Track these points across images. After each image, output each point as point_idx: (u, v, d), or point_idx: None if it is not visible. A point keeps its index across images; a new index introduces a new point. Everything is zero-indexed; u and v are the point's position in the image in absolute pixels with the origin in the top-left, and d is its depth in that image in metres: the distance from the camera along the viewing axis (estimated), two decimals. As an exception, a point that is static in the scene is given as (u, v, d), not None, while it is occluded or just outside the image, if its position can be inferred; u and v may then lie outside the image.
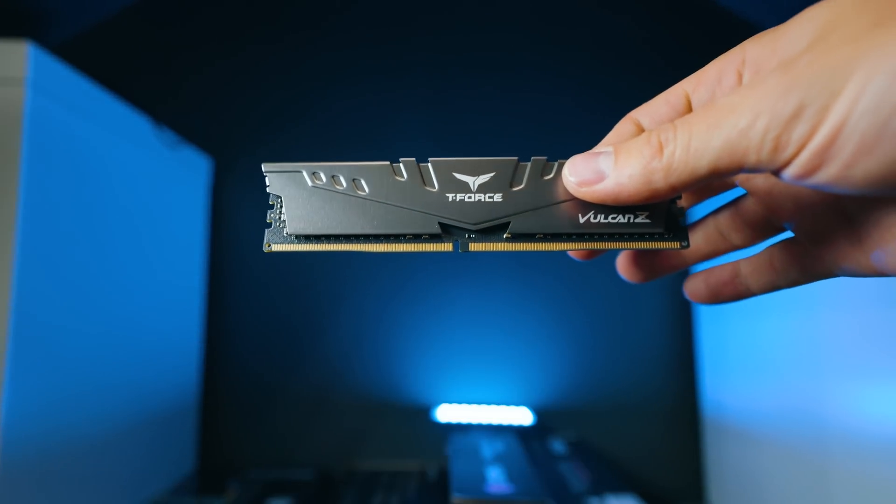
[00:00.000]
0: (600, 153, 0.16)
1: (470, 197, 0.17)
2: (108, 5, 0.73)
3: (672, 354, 0.71)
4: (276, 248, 0.18)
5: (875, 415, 0.42)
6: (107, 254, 0.52)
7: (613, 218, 0.17)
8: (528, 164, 0.17)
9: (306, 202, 0.18)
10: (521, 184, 0.17)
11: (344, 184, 0.18)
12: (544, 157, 0.17)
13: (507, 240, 0.18)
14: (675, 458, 0.71)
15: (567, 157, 0.17)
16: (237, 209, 0.74)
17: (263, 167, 0.18)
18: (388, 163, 0.17)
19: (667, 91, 0.18)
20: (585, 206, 0.17)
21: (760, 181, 0.18)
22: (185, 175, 0.68)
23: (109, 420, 0.52)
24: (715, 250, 0.21)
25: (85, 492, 0.48)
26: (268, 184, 0.18)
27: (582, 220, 0.17)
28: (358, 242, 0.18)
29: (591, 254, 0.21)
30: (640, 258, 0.21)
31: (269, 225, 0.18)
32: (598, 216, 0.17)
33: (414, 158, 0.17)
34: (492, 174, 0.17)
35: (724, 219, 0.20)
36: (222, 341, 0.73)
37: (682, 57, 0.74)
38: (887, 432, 0.41)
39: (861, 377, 0.44)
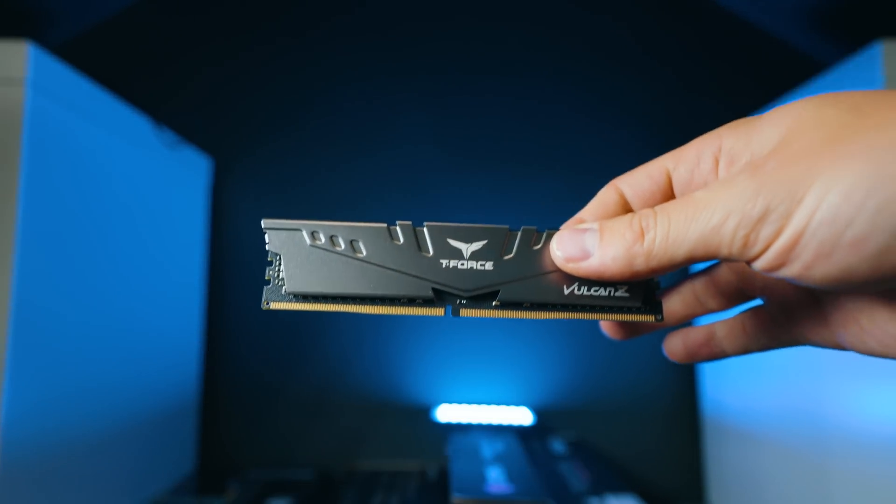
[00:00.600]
0: (586, 230, 0.17)
1: (463, 264, 0.18)
2: (108, 5, 0.73)
3: (672, 354, 0.71)
4: (274, 306, 0.18)
5: (875, 415, 0.42)
6: (107, 254, 0.52)
7: (596, 291, 0.18)
8: (518, 233, 0.18)
9: (305, 261, 0.18)
10: (510, 253, 0.18)
11: (342, 245, 0.18)
12: (534, 227, 0.18)
13: (496, 307, 0.19)
14: (675, 458, 0.71)
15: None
16: (237, 209, 0.74)
17: (263, 223, 0.18)
18: (385, 225, 0.18)
19: (649, 164, 0.19)
20: (570, 277, 0.18)
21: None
22: (185, 175, 0.68)
23: (109, 420, 0.52)
24: (692, 313, 0.22)
25: (85, 492, 0.48)
26: (267, 241, 0.18)
27: (566, 292, 0.18)
28: (354, 304, 0.18)
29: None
30: (621, 322, 0.23)
31: (268, 282, 0.19)
32: (582, 288, 0.18)
33: (410, 222, 0.18)
34: (484, 242, 0.18)
35: (700, 285, 0.22)
36: (222, 341, 0.73)
37: (682, 57, 0.74)
38: (887, 432, 0.41)
39: (861, 377, 0.44)
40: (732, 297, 0.21)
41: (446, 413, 0.70)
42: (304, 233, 0.18)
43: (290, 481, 0.63)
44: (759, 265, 0.14)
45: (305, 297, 0.18)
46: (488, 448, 0.58)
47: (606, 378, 0.72)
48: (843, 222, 0.12)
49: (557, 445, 0.66)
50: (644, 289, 0.18)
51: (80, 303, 0.48)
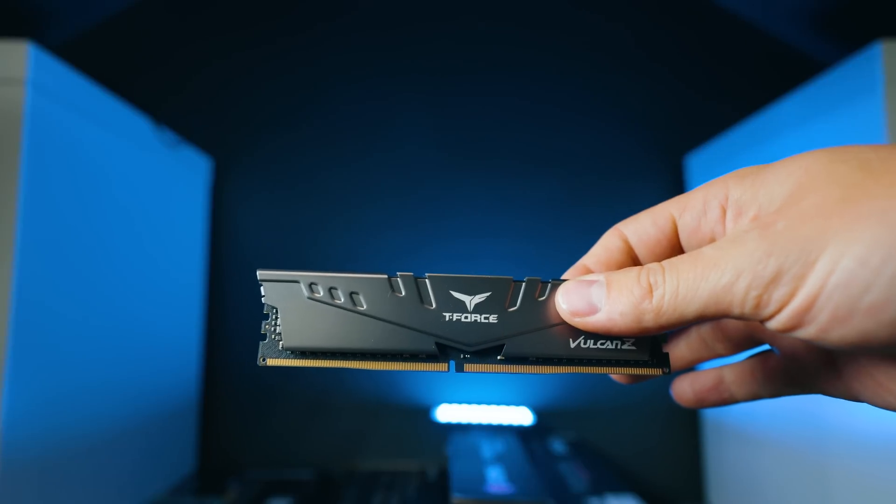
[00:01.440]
0: (593, 282, 0.17)
1: (466, 317, 0.18)
2: (108, 5, 0.73)
3: (672, 354, 0.71)
4: (270, 362, 0.18)
5: (875, 415, 0.42)
6: (107, 254, 0.52)
7: (602, 344, 0.18)
8: (523, 284, 0.18)
9: (303, 315, 0.17)
10: (515, 305, 0.18)
11: (342, 298, 0.18)
12: (538, 278, 0.18)
13: (501, 361, 0.18)
14: (675, 458, 0.71)
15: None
16: (237, 209, 0.74)
17: (259, 275, 0.18)
18: (385, 276, 0.18)
19: (653, 210, 0.19)
20: (576, 330, 0.18)
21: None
22: (185, 175, 0.68)
23: (109, 420, 0.52)
24: (698, 358, 0.22)
25: (85, 492, 0.48)
26: (263, 294, 0.18)
27: (573, 345, 0.18)
28: (355, 359, 0.18)
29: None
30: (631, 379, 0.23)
31: (264, 336, 0.18)
32: (588, 342, 0.18)
33: (412, 273, 0.18)
34: (487, 294, 0.18)
35: (707, 329, 0.21)
36: (222, 341, 0.73)
37: (682, 57, 0.74)
38: (887, 432, 0.41)
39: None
40: (741, 342, 0.21)
41: (446, 413, 0.70)
42: (302, 285, 0.17)
43: (290, 481, 0.63)
44: (773, 325, 0.14)
45: (304, 353, 0.18)
46: (488, 448, 0.58)
47: (606, 378, 0.71)
48: (860, 287, 0.12)
49: (557, 445, 0.66)
50: (651, 342, 0.18)
51: (80, 303, 0.48)
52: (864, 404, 0.18)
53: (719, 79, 0.74)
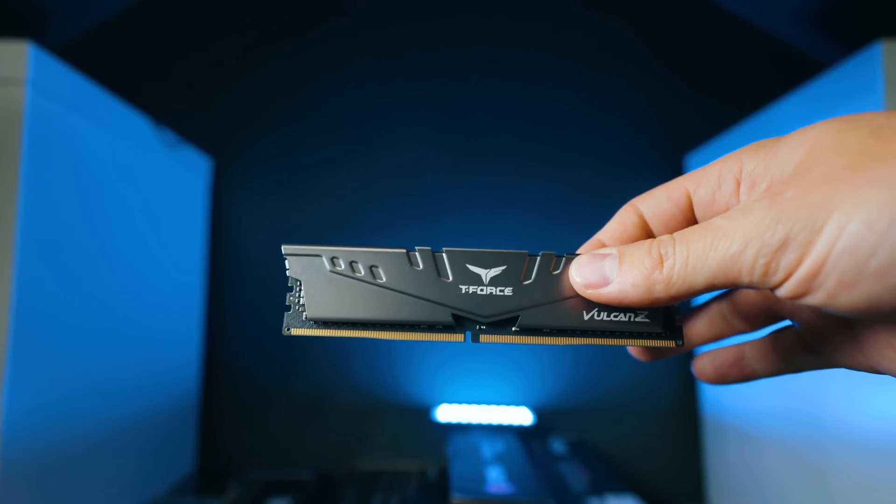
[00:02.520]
0: (605, 255, 0.17)
1: (482, 290, 0.18)
2: (108, 5, 0.73)
3: (672, 354, 0.71)
4: (295, 332, 0.18)
5: (875, 415, 0.42)
6: (107, 254, 0.52)
7: (616, 316, 0.18)
8: (538, 258, 0.18)
9: (325, 288, 0.18)
10: (530, 278, 0.18)
11: (362, 271, 0.18)
12: (553, 252, 0.18)
13: (516, 333, 0.19)
14: (675, 458, 0.71)
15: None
16: (237, 209, 0.74)
17: (283, 249, 0.18)
18: (404, 251, 0.18)
19: (668, 185, 0.19)
20: (590, 303, 0.18)
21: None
22: (185, 175, 0.68)
23: (109, 420, 0.52)
24: (719, 334, 0.22)
25: (85, 492, 0.48)
26: (287, 267, 0.18)
27: (586, 317, 0.18)
28: (374, 329, 0.18)
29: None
30: (651, 354, 0.23)
31: (289, 308, 0.19)
32: (602, 314, 0.18)
33: (429, 248, 0.18)
34: (503, 267, 0.18)
35: (727, 305, 0.21)
36: (222, 341, 0.73)
37: (682, 56, 0.74)
38: (887, 432, 0.41)
39: (861, 377, 0.44)
40: (761, 317, 0.21)
41: (446, 413, 0.70)
42: (324, 258, 0.18)
43: (290, 481, 0.63)
44: (782, 293, 0.14)
45: (326, 323, 0.18)
46: (488, 448, 0.58)
47: (606, 378, 0.72)
48: (867, 251, 0.12)
49: (557, 445, 0.66)
50: (664, 314, 0.18)
51: (80, 303, 0.48)
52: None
53: (719, 78, 0.74)
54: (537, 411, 0.71)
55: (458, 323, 0.18)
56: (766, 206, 0.14)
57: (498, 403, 0.71)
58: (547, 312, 0.18)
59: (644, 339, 0.18)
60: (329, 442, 0.71)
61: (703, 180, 0.18)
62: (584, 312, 0.18)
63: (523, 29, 0.75)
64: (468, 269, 0.18)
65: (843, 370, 0.18)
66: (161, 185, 0.61)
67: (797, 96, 0.52)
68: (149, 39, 0.75)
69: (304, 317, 0.18)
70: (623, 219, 0.20)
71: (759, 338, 0.21)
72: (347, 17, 0.75)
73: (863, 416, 0.43)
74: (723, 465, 0.65)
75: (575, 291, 0.18)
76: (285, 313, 0.19)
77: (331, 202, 0.74)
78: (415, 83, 0.75)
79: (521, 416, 0.70)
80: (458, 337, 0.18)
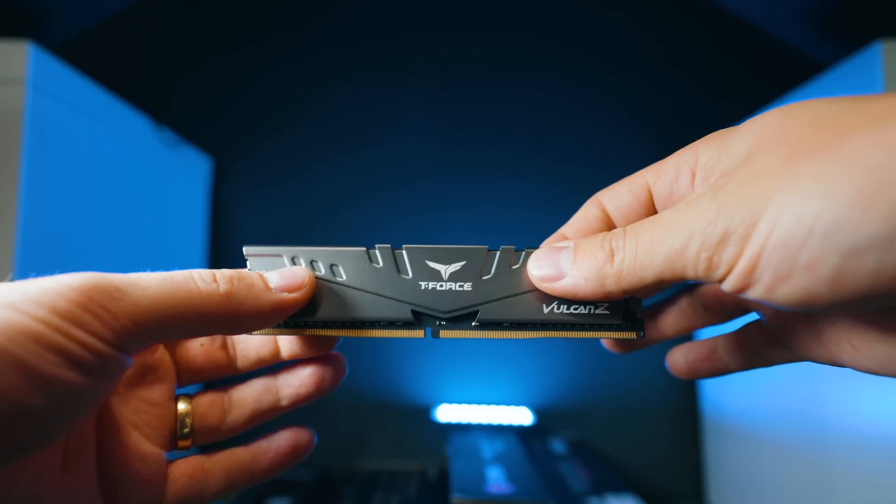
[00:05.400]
0: (562, 249, 0.17)
1: (442, 285, 0.18)
2: (108, 5, 0.73)
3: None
4: (255, 333, 0.18)
5: (874, 415, 0.42)
6: (107, 253, 0.52)
7: (575, 309, 0.18)
8: (497, 253, 0.18)
9: None
10: (489, 273, 0.18)
11: (322, 270, 0.18)
12: (512, 247, 0.18)
13: (476, 328, 0.18)
14: (675, 459, 0.71)
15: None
16: (237, 209, 0.74)
17: (245, 251, 0.18)
18: (364, 249, 0.18)
19: (630, 178, 0.19)
20: (549, 296, 0.18)
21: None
22: (185, 175, 0.68)
23: (109, 420, 0.52)
24: (691, 326, 0.22)
25: (85, 492, 0.48)
26: (249, 268, 0.18)
27: (546, 310, 0.18)
28: (335, 328, 0.18)
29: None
30: (622, 346, 0.22)
31: None
32: (562, 307, 0.18)
33: (389, 245, 0.18)
34: (462, 263, 0.18)
35: (697, 297, 0.22)
36: (222, 341, 0.73)
37: (682, 56, 0.74)
38: (887, 432, 0.41)
39: (860, 377, 0.44)
40: (728, 310, 0.21)
41: (446, 413, 0.70)
42: (285, 258, 0.18)
43: (290, 481, 0.63)
44: (726, 287, 0.14)
45: (286, 324, 0.18)
46: (488, 448, 0.58)
47: (606, 378, 0.72)
48: (797, 245, 0.12)
49: (557, 445, 0.66)
50: (624, 306, 0.18)
51: (80, 303, 0.48)
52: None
53: (720, 78, 0.74)
54: (537, 411, 0.71)
55: (418, 319, 0.18)
56: (708, 199, 0.14)
57: (498, 403, 0.71)
58: (506, 307, 0.18)
59: (604, 331, 0.18)
60: (329, 442, 0.71)
61: (662, 173, 0.18)
62: (544, 306, 0.18)
63: (525, 25, 0.75)
64: (427, 265, 0.18)
65: (843, 370, 0.18)
66: (161, 185, 0.61)
67: (798, 96, 0.52)
68: (148, 39, 0.75)
69: None
70: (586, 213, 0.20)
71: (730, 332, 0.21)
72: (346, 14, 0.75)
73: (862, 416, 0.43)
74: (723, 465, 0.65)
75: (534, 286, 0.18)
76: None
77: (330, 201, 0.74)
78: (414, 80, 0.75)
79: (521, 416, 0.70)
80: (419, 333, 0.18)
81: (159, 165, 0.61)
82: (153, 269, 0.16)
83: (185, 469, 0.19)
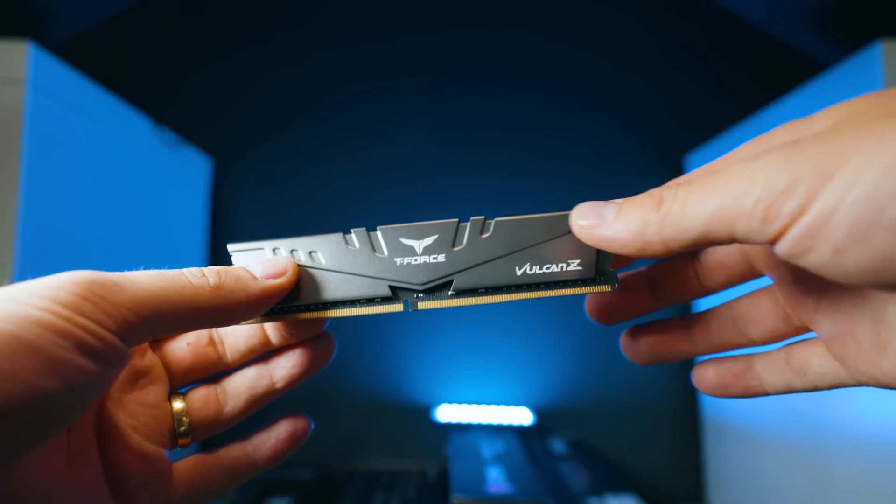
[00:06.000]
0: (608, 202, 0.16)
1: (416, 260, 0.19)
2: (108, 5, 0.73)
3: (672, 354, 0.71)
4: (243, 323, 0.19)
5: (875, 415, 0.42)
6: (107, 253, 0.52)
7: (547, 268, 0.18)
8: (468, 225, 0.19)
9: None
10: (461, 244, 0.19)
11: (303, 258, 0.19)
12: (482, 217, 0.19)
13: (452, 296, 0.19)
14: (675, 459, 0.71)
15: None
16: (237, 209, 0.74)
17: (229, 248, 0.19)
18: (340, 234, 0.19)
19: (701, 170, 0.18)
20: (521, 259, 0.18)
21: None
22: (185, 175, 0.68)
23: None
24: (691, 293, 0.20)
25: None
26: (233, 263, 0.19)
27: (519, 272, 0.19)
28: (318, 310, 0.19)
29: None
30: (605, 308, 0.21)
31: None
32: (534, 267, 0.18)
33: (364, 228, 0.19)
34: (435, 237, 0.19)
35: (701, 260, 0.20)
36: (222, 341, 0.73)
37: (682, 56, 0.74)
38: (887, 432, 0.41)
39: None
40: (737, 273, 0.19)
41: (446, 413, 0.70)
42: (267, 251, 0.19)
43: (290, 481, 0.63)
44: (781, 248, 0.13)
45: (272, 311, 0.19)
46: (488, 448, 0.58)
47: (606, 378, 0.72)
48: (885, 199, 0.11)
49: (557, 445, 0.66)
50: (596, 260, 0.18)
51: (80, 303, 0.48)
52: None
53: (720, 78, 0.74)
54: (537, 411, 0.71)
55: (395, 294, 0.19)
56: (778, 150, 0.13)
57: (498, 403, 0.71)
58: (480, 273, 0.19)
59: (578, 286, 0.19)
60: (329, 442, 0.71)
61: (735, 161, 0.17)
62: (517, 268, 0.18)
63: (525, 25, 0.75)
64: (401, 242, 0.19)
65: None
66: (161, 185, 0.61)
67: (798, 96, 0.52)
68: (148, 39, 0.75)
69: None
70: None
71: (772, 350, 0.20)
72: (345, 14, 0.75)
73: (862, 417, 0.43)
74: (723, 465, 0.65)
75: (504, 251, 0.18)
76: None
77: (330, 200, 0.74)
78: (413, 80, 0.75)
79: (521, 416, 0.70)
80: (398, 307, 0.19)
81: (159, 165, 0.61)
82: (152, 268, 0.16)
83: (190, 465, 0.19)
